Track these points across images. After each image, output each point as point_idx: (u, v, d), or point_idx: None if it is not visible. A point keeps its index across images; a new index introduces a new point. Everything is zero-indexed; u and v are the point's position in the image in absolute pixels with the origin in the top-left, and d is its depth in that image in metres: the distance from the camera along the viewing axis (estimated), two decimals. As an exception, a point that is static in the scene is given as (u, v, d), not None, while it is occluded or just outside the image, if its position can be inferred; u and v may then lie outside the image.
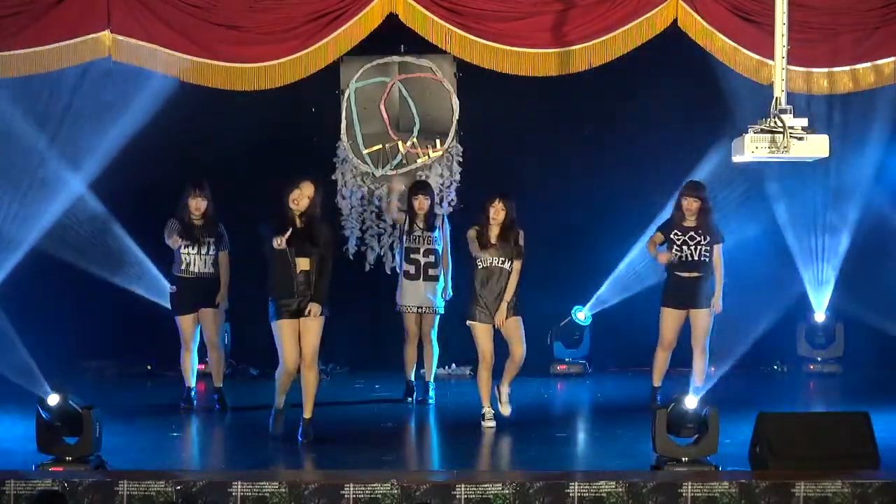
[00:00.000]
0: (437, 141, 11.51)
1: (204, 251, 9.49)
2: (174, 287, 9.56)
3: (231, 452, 8.44)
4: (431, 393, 9.88)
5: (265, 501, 6.46)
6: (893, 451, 7.21)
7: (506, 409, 8.94)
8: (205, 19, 9.35)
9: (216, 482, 6.57)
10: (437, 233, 9.79)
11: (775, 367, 11.71)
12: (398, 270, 10.07)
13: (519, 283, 8.78)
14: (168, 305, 9.89)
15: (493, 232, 8.78)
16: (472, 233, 8.81)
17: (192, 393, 9.68)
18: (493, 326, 8.76)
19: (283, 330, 8.20)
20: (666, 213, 9.76)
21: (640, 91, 11.05)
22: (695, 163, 11.40)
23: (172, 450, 8.29)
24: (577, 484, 6.52)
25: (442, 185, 11.49)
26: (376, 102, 11.52)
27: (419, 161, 11.51)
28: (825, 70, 9.34)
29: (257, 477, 6.76)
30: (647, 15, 9.32)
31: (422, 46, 10.30)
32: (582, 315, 11.48)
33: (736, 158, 7.60)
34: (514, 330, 8.79)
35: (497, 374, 8.92)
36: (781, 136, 7.23)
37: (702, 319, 9.38)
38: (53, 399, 7.00)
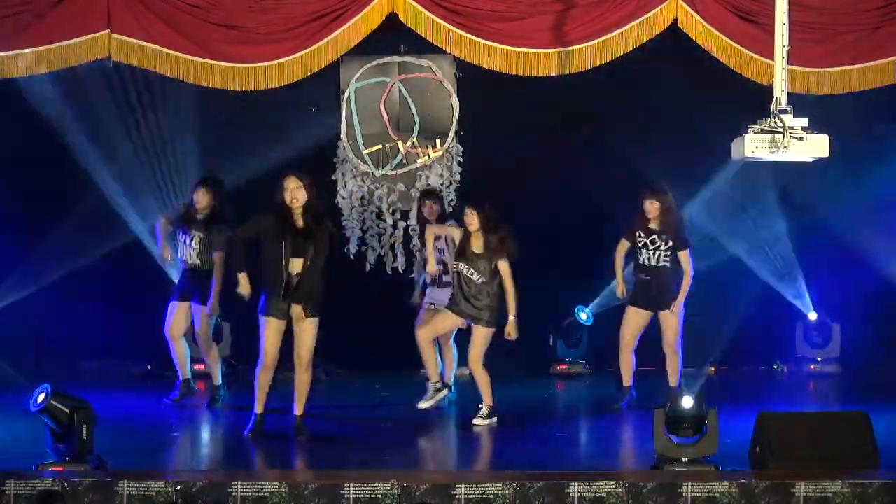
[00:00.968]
0: (437, 141, 11.51)
1: (192, 243, 9.47)
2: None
3: (231, 452, 8.44)
4: (453, 393, 9.84)
5: (265, 501, 6.46)
6: (893, 451, 7.21)
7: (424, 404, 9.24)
8: (205, 19, 9.35)
9: (216, 482, 6.57)
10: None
11: (775, 367, 11.71)
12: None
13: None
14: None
15: (476, 241, 8.85)
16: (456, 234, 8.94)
17: (185, 383, 9.67)
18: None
19: (269, 327, 8.20)
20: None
21: (641, 91, 11.06)
22: (694, 163, 11.43)
23: (172, 450, 8.28)
24: (577, 484, 6.52)
25: (442, 185, 11.49)
26: (376, 102, 11.52)
27: (419, 161, 11.51)
28: (825, 70, 9.34)
29: (257, 477, 6.77)
30: (647, 15, 9.33)
31: (422, 46, 10.30)
32: (584, 315, 11.49)
33: (736, 158, 7.60)
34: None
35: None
36: (781, 135, 7.23)
37: (669, 321, 9.41)
38: (40, 398, 6.97)
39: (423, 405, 9.30)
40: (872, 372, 11.20)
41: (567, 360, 11.57)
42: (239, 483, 6.50)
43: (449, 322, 9.05)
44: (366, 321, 11.28)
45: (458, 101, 11.50)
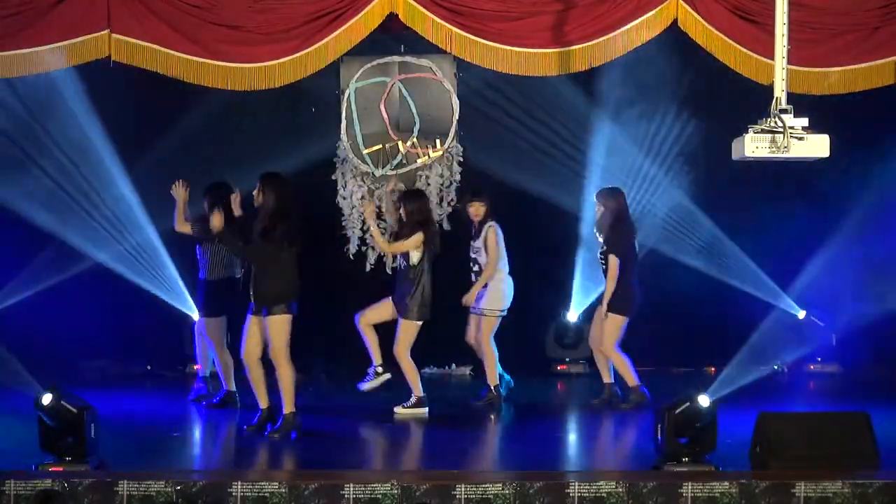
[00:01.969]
0: (437, 141, 11.50)
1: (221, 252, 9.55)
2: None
3: (231, 452, 8.44)
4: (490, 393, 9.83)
5: (265, 501, 6.46)
6: (893, 451, 7.21)
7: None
8: (205, 19, 9.34)
9: (216, 482, 6.57)
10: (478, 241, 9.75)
11: (775, 367, 11.71)
12: None
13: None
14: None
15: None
16: (420, 236, 9.15)
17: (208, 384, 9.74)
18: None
19: (247, 323, 8.50)
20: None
21: (640, 91, 11.06)
22: (695, 162, 11.43)
23: (172, 450, 8.28)
24: (577, 484, 6.52)
25: (442, 185, 11.49)
26: (376, 102, 11.52)
27: (419, 161, 11.51)
28: (825, 70, 9.34)
29: (257, 477, 6.78)
30: (647, 15, 9.32)
31: (422, 46, 10.30)
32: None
33: (736, 158, 7.60)
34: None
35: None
36: (781, 135, 7.23)
37: (599, 324, 9.50)
38: (46, 399, 6.99)
39: (365, 387, 9.44)
40: (872, 372, 11.20)
41: (567, 360, 11.58)
42: (239, 483, 6.51)
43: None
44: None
45: (458, 101, 11.50)
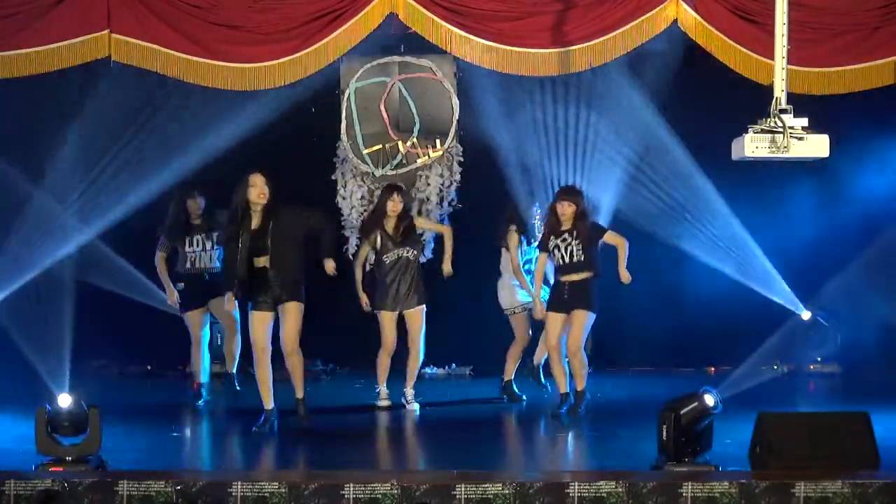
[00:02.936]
0: (437, 141, 11.50)
1: (209, 246, 9.90)
2: (181, 284, 9.73)
3: (231, 452, 8.44)
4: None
5: (265, 501, 6.46)
6: (893, 451, 7.21)
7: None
8: (205, 19, 9.34)
9: (216, 482, 6.57)
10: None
11: (775, 367, 11.71)
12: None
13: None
14: (166, 307, 10.04)
15: (391, 224, 9.56)
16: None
17: (203, 389, 9.78)
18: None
19: (252, 320, 8.57)
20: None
21: (642, 90, 11.06)
22: (695, 161, 11.44)
23: (172, 450, 8.29)
24: (577, 484, 6.52)
25: (442, 185, 11.48)
26: (376, 102, 11.51)
27: (419, 161, 11.50)
28: (825, 70, 9.33)
29: (257, 477, 6.77)
30: (647, 15, 9.32)
31: (422, 46, 10.30)
32: None
33: (736, 158, 7.60)
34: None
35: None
36: (781, 135, 7.23)
37: (579, 320, 9.21)
38: (65, 400, 7.01)
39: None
40: (872, 372, 11.20)
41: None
42: (239, 483, 6.50)
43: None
44: (366, 320, 11.27)
45: (458, 101, 11.49)
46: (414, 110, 11.50)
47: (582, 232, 9.13)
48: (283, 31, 9.38)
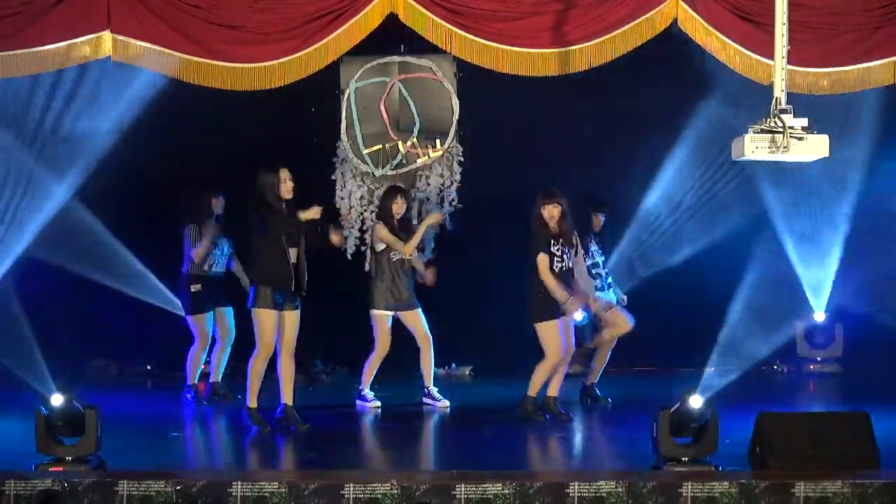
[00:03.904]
0: (437, 141, 11.50)
1: (226, 250, 10.06)
2: (198, 286, 9.73)
3: (231, 452, 8.44)
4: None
5: (265, 501, 6.46)
6: (893, 451, 7.21)
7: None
8: (205, 19, 9.33)
9: (216, 482, 6.57)
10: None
11: (775, 367, 11.72)
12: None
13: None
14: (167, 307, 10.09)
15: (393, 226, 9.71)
16: (383, 231, 9.61)
17: (194, 391, 9.82)
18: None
19: (273, 319, 8.38)
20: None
21: (641, 91, 11.06)
22: (694, 161, 11.44)
23: (172, 450, 8.29)
24: (577, 484, 6.52)
25: (442, 185, 11.48)
26: (376, 102, 11.51)
27: (419, 161, 11.51)
28: (825, 70, 9.33)
29: (257, 477, 6.78)
30: (647, 15, 9.31)
31: (422, 46, 10.28)
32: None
33: (736, 158, 7.60)
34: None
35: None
36: (781, 135, 7.23)
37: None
38: (57, 399, 7.00)
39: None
40: (872, 372, 11.20)
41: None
42: (239, 483, 6.51)
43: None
44: (365, 320, 11.28)
45: (458, 101, 11.49)
46: (414, 110, 11.51)
47: (567, 234, 9.18)
48: (283, 31, 9.37)
